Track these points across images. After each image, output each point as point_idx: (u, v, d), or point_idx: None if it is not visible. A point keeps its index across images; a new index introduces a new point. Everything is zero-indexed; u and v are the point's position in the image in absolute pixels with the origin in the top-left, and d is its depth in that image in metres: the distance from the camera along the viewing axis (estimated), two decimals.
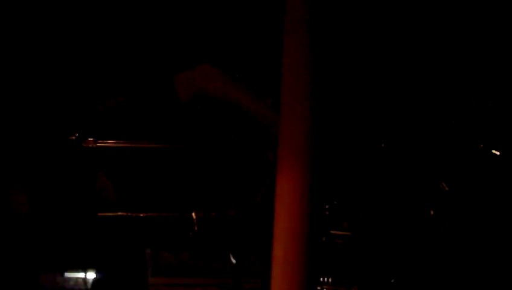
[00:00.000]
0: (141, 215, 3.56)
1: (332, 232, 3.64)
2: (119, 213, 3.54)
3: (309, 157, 2.38)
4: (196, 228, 3.57)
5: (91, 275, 3.95)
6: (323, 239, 3.54)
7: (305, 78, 2.39)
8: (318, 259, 2.46)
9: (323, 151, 2.41)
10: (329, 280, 3.61)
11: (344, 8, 4.26)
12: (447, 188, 3.84)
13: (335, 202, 3.71)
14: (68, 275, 4.54)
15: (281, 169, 2.39)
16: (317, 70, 2.40)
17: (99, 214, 3.51)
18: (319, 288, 3.54)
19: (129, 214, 3.54)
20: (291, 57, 2.39)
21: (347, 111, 4.22)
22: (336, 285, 3.64)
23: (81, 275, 4.46)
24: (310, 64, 2.39)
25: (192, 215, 3.57)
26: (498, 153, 3.89)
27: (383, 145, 4.00)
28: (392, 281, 3.70)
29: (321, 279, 3.54)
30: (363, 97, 4.30)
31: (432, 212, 3.80)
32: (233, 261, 3.60)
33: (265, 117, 3.56)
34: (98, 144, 3.48)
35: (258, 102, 3.61)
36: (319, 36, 2.38)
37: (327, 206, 3.63)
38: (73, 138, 3.47)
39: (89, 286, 3.78)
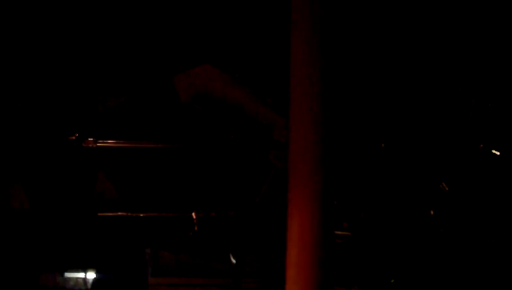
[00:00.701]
0: (141, 215, 3.56)
1: None
2: (119, 213, 3.53)
3: (320, 158, 2.38)
4: (196, 228, 3.57)
5: (91, 275, 3.94)
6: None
7: (314, 88, 2.39)
8: (332, 260, 2.45)
9: (334, 154, 2.41)
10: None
11: (344, 10, 4.26)
12: (447, 188, 3.84)
13: (335, 202, 3.71)
14: (68, 275, 4.54)
15: (292, 171, 2.38)
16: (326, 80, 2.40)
17: (99, 214, 3.51)
18: None
19: (129, 214, 3.54)
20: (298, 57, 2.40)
21: (347, 111, 4.22)
22: (336, 285, 3.64)
23: (81, 275, 4.46)
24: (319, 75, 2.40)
25: (192, 215, 3.57)
26: (498, 153, 3.89)
27: (383, 145, 3.99)
28: (392, 281, 3.70)
29: None
30: (363, 97, 4.30)
31: (432, 212, 3.80)
32: (233, 261, 3.60)
33: (265, 117, 3.55)
34: (98, 144, 3.48)
35: (258, 102, 3.60)
36: (326, 35, 2.39)
37: None
38: (73, 138, 3.47)
39: (89, 286, 3.78)
